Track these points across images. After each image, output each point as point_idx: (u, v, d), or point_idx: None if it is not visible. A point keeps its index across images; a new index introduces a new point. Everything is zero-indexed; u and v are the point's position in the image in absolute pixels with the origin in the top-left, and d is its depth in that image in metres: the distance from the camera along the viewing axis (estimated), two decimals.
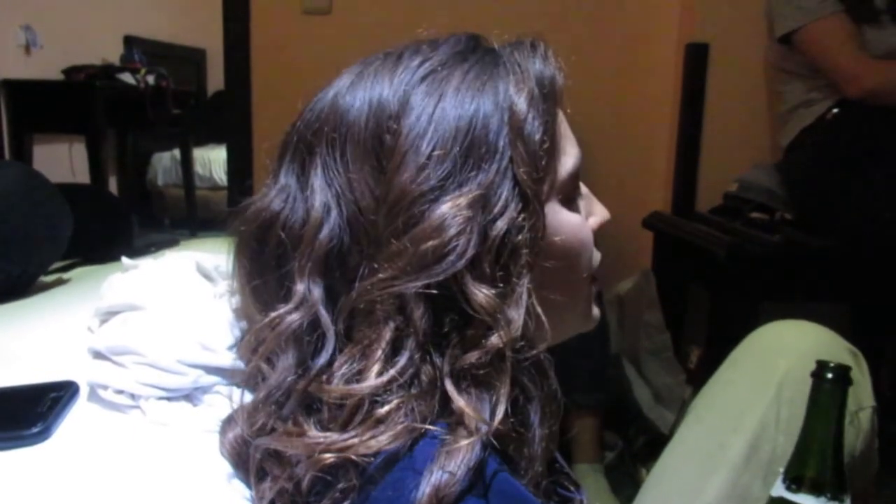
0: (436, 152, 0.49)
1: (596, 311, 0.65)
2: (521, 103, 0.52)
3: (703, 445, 0.84)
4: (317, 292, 0.50)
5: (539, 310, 0.50)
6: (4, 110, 3.32)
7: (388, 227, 0.49)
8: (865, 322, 1.68)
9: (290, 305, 0.50)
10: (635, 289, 1.95)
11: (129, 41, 4.27)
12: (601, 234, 0.64)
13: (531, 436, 0.50)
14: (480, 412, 0.46)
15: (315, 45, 2.13)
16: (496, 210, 0.50)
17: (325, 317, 0.49)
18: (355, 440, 0.45)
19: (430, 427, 0.46)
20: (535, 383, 0.50)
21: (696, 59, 2.04)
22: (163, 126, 3.74)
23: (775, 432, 0.79)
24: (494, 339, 0.47)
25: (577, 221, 0.58)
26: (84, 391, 0.57)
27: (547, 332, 0.52)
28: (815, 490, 0.64)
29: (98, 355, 0.57)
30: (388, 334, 0.47)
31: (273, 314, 0.51)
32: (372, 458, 0.45)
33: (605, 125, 2.19)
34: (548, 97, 0.54)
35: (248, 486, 0.49)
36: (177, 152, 4.38)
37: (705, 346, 1.77)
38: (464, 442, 0.45)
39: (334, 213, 0.50)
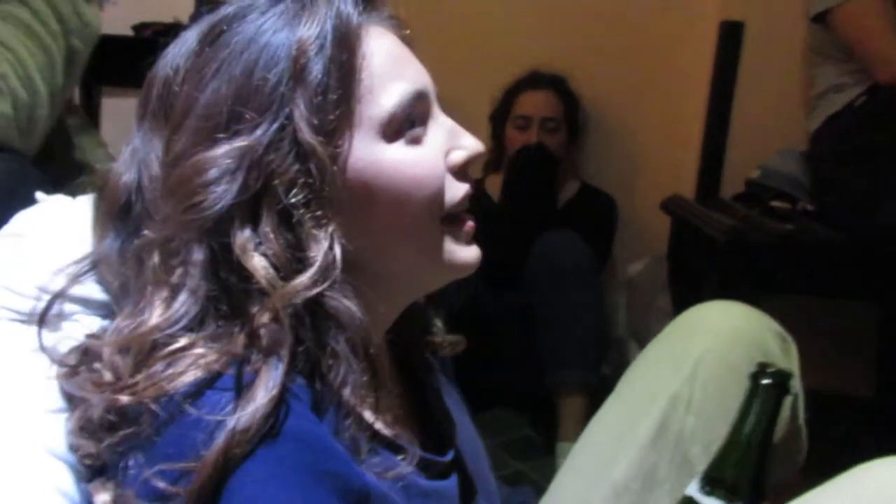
0: (210, 111, 0.52)
1: (463, 252, 0.61)
2: (309, 49, 0.52)
3: (617, 423, 0.83)
4: (115, 245, 0.56)
5: (340, 254, 0.51)
6: None
7: (163, 185, 0.53)
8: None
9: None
10: (647, 272, 1.91)
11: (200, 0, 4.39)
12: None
13: (337, 387, 0.51)
14: (269, 367, 0.47)
15: None
16: (270, 162, 0.51)
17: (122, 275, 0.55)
18: (137, 383, 0.47)
19: (222, 372, 0.48)
20: (337, 336, 0.51)
21: (731, 37, 1.95)
22: None
23: (685, 413, 0.77)
24: (269, 301, 0.49)
25: (407, 158, 0.56)
26: None
27: (372, 272, 0.54)
28: (728, 495, 0.61)
29: None
30: (162, 285, 0.51)
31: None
32: (161, 408, 0.46)
33: (636, 103, 2.13)
34: (344, 37, 0.54)
35: None
36: None
37: None
38: (258, 393, 0.46)
39: (132, 178, 0.56)
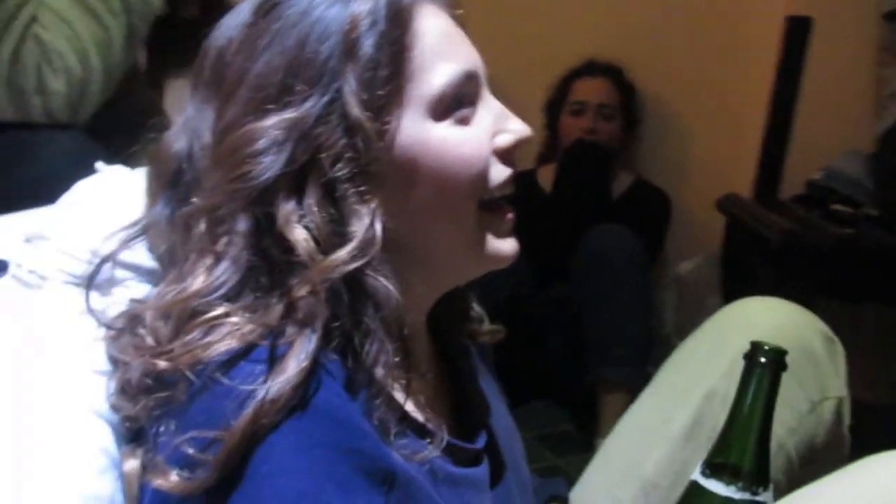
0: (261, 82, 0.52)
1: (501, 245, 0.61)
2: (361, 24, 0.52)
3: (650, 418, 0.82)
4: (165, 213, 0.57)
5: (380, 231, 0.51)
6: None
7: (213, 154, 0.53)
8: None
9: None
10: (697, 271, 1.87)
11: None
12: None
13: (369, 366, 0.51)
14: (302, 339, 0.48)
15: None
16: (318, 136, 0.51)
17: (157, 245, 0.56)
18: (173, 350, 0.49)
19: (257, 343, 0.48)
20: (373, 314, 0.51)
21: (797, 33, 1.88)
22: None
23: (721, 409, 0.75)
24: (308, 273, 0.49)
25: (454, 137, 0.56)
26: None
27: (411, 253, 0.55)
28: (729, 477, 0.60)
29: (26, 239, 0.63)
30: (206, 253, 0.52)
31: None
32: (195, 376, 0.47)
33: (695, 97, 2.09)
34: (397, 15, 0.54)
35: None
36: None
37: None
38: (289, 365, 0.47)
39: (184, 146, 0.56)
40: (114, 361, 0.53)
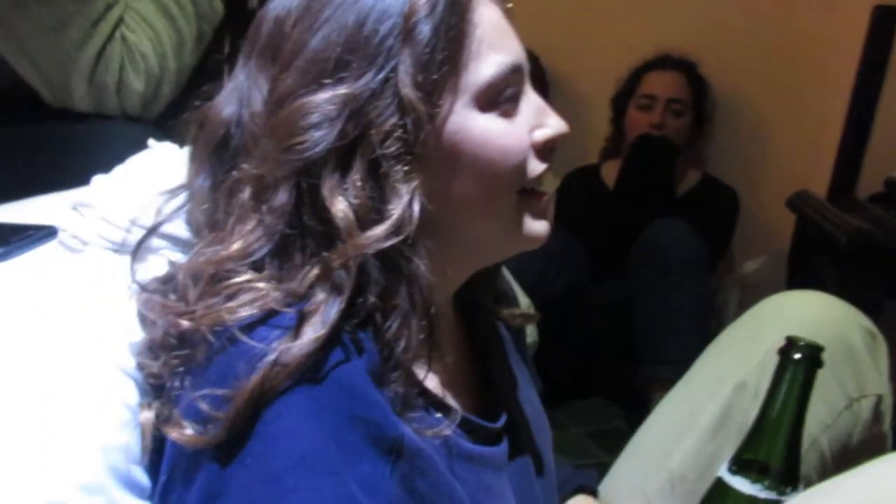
0: (318, 55, 0.53)
1: (536, 225, 0.62)
2: (421, 9, 0.53)
3: (681, 409, 0.80)
4: (207, 184, 0.58)
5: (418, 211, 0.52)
6: None
7: (265, 123, 0.54)
8: None
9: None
10: (762, 271, 1.81)
11: None
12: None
13: (391, 341, 0.52)
14: (323, 311, 0.49)
15: None
16: (370, 112, 0.52)
17: (195, 216, 0.58)
18: (196, 310, 0.51)
19: (278, 310, 0.49)
20: (401, 291, 0.52)
21: (884, 23, 1.79)
22: None
23: (751, 402, 0.73)
24: (343, 247, 0.50)
25: (497, 129, 0.57)
26: None
27: (446, 234, 0.56)
28: (756, 475, 0.59)
29: (73, 207, 0.67)
30: (246, 220, 0.53)
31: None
32: (215, 337, 0.49)
33: (769, 91, 2.02)
34: (455, 2, 0.54)
35: None
36: None
37: None
38: (306, 332, 0.48)
39: (234, 112, 0.56)
40: (143, 320, 0.56)
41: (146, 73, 1.06)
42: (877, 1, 1.81)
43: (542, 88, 2.24)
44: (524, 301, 1.31)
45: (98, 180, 0.69)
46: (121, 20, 1.04)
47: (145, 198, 0.64)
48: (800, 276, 1.75)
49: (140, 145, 1.07)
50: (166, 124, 1.11)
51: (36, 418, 0.52)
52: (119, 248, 0.64)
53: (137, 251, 0.60)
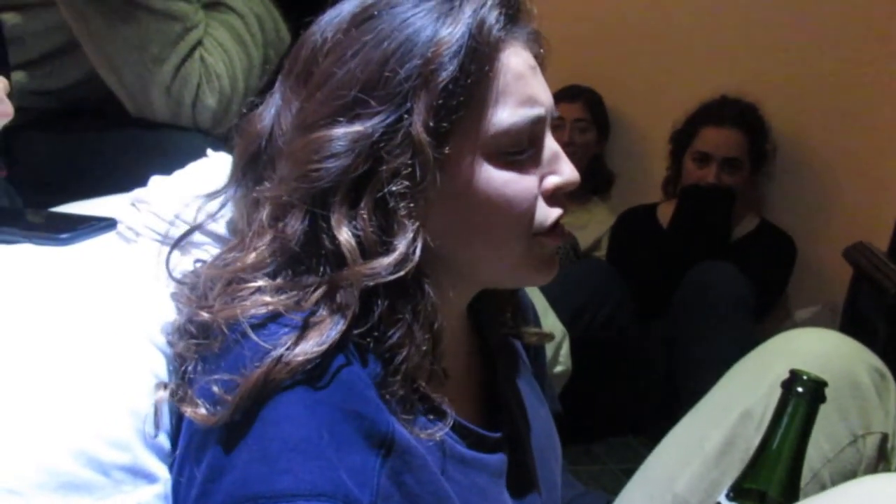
0: (339, 91, 0.55)
1: (538, 278, 0.64)
2: (444, 54, 0.54)
3: (689, 435, 0.81)
4: (239, 194, 0.63)
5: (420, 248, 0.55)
6: None
7: (287, 146, 0.58)
8: None
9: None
10: (815, 320, 1.77)
11: None
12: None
13: (392, 347, 0.56)
14: (329, 323, 0.53)
15: None
16: (381, 150, 0.54)
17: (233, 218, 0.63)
18: (214, 305, 0.56)
19: (287, 314, 0.54)
20: (407, 310, 0.56)
21: None
22: None
23: (755, 431, 0.74)
24: (347, 271, 0.54)
25: (504, 178, 0.58)
26: None
27: (451, 266, 0.59)
28: None
29: (132, 202, 0.75)
30: (263, 235, 0.57)
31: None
32: (230, 331, 0.54)
33: (832, 137, 1.99)
34: (479, 50, 0.55)
35: None
36: None
37: None
38: (310, 340, 0.52)
39: (268, 126, 0.60)
40: (176, 306, 0.63)
41: (220, 91, 1.16)
42: None
43: (604, 128, 2.28)
44: (555, 325, 1.33)
45: (155, 180, 0.76)
46: (199, 43, 1.15)
47: (189, 196, 0.70)
48: (852, 326, 1.71)
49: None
50: (231, 140, 1.21)
51: (73, 374, 0.58)
52: (163, 240, 0.70)
53: (177, 245, 0.66)
